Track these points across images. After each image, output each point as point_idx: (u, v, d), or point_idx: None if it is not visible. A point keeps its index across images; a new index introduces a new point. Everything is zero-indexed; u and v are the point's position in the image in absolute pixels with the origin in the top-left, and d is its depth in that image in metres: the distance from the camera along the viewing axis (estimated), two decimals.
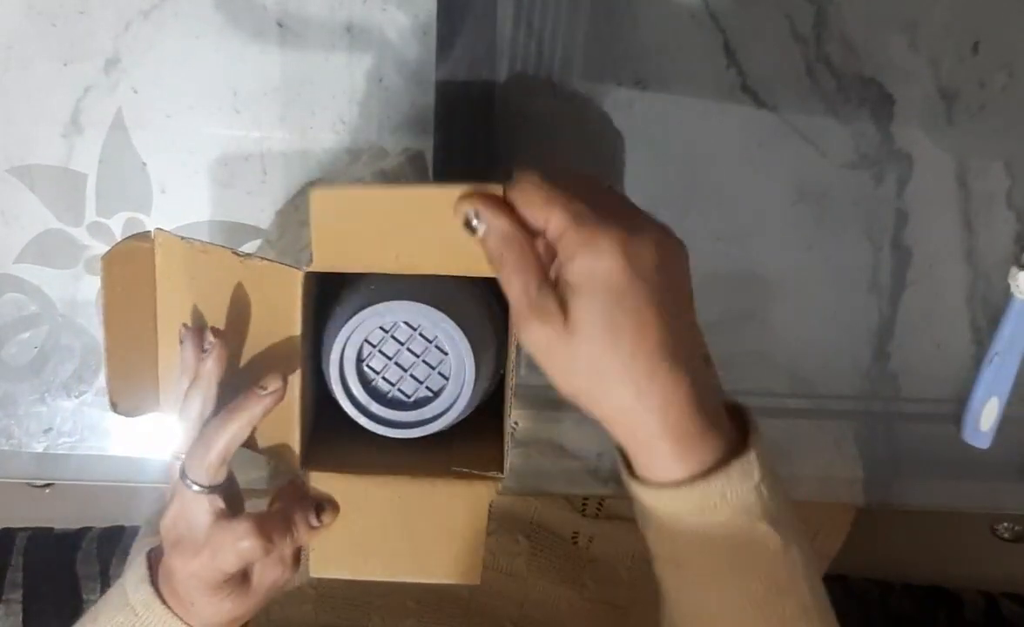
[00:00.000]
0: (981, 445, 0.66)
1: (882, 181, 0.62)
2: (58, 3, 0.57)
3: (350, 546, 0.50)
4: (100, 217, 0.60)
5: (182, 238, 0.48)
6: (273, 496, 0.52)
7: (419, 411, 0.48)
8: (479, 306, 0.49)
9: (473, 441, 0.51)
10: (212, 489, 0.47)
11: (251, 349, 0.49)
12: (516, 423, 0.49)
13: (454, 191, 0.42)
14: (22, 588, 0.89)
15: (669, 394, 0.40)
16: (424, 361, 0.48)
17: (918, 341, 0.65)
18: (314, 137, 0.60)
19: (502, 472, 0.49)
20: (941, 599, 1.03)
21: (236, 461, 0.48)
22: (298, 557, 0.50)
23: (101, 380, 0.63)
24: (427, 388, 0.48)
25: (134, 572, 0.50)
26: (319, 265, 0.45)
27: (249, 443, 0.48)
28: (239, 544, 0.46)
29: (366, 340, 0.47)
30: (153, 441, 0.64)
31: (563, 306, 0.40)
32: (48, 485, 1.06)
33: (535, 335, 0.40)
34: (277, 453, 0.50)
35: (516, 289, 0.41)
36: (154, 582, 0.49)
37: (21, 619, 0.87)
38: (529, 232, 0.41)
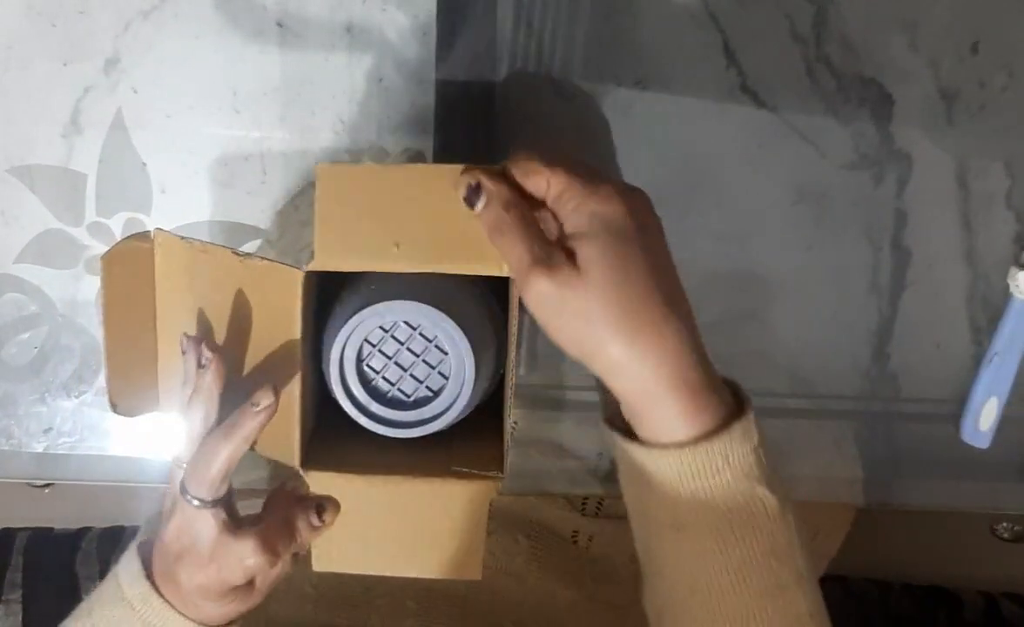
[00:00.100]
0: (981, 445, 0.66)
1: (882, 181, 0.62)
2: (58, 3, 0.57)
3: (351, 542, 0.50)
4: (100, 217, 0.60)
5: (182, 238, 0.48)
6: (266, 500, 0.52)
7: (419, 411, 0.48)
8: (479, 306, 0.49)
9: (473, 441, 0.51)
10: (214, 503, 0.47)
11: (251, 349, 0.49)
12: (515, 423, 0.49)
13: (456, 168, 0.44)
14: (22, 588, 0.89)
15: (675, 339, 0.41)
16: (424, 361, 0.48)
17: (918, 341, 0.65)
18: (314, 137, 0.60)
19: (502, 472, 0.49)
20: (941, 599, 1.03)
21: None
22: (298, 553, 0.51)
23: (101, 380, 0.63)
24: (427, 388, 0.48)
25: (127, 567, 0.50)
26: (320, 254, 0.45)
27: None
28: (245, 562, 0.47)
29: (366, 340, 0.47)
30: (153, 441, 0.64)
31: (569, 257, 0.41)
32: (48, 485, 1.06)
33: (543, 288, 0.41)
34: (277, 453, 0.50)
35: (520, 249, 0.42)
36: (149, 576, 0.49)
37: (21, 619, 0.87)
38: (528, 204, 0.44)
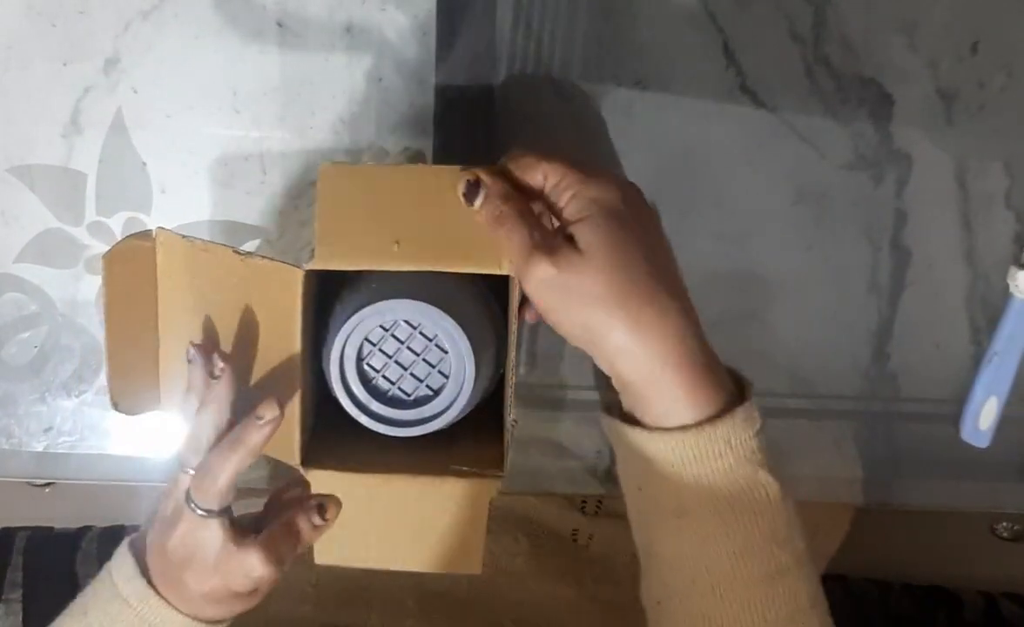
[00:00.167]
0: (980, 445, 0.66)
1: (881, 181, 0.62)
2: (58, 3, 0.57)
3: (352, 537, 0.50)
4: (100, 217, 0.60)
5: (183, 236, 0.49)
6: (266, 504, 0.52)
7: (419, 409, 0.48)
8: (479, 305, 0.49)
9: (473, 440, 0.51)
10: (220, 512, 0.47)
11: (252, 349, 0.49)
12: (515, 422, 0.49)
13: (456, 169, 0.45)
14: (22, 588, 0.89)
15: (678, 321, 0.42)
16: (424, 359, 0.48)
17: (917, 341, 0.65)
18: (314, 137, 0.60)
19: (502, 471, 0.49)
20: (941, 599, 1.03)
21: None
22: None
23: (101, 379, 0.63)
24: (427, 386, 0.48)
25: (120, 566, 0.50)
26: (320, 253, 0.45)
27: None
28: (252, 575, 0.48)
29: (366, 338, 0.47)
30: (153, 440, 0.64)
31: (569, 242, 0.42)
32: (48, 484, 1.05)
33: (545, 272, 0.42)
34: (277, 451, 0.50)
35: (520, 236, 0.43)
36: (145, 574, 0.49)
37: (21, 619, 0.87)
38: (526, 198, 0.44)
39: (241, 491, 0.51)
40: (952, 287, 0.64)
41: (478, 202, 0.44)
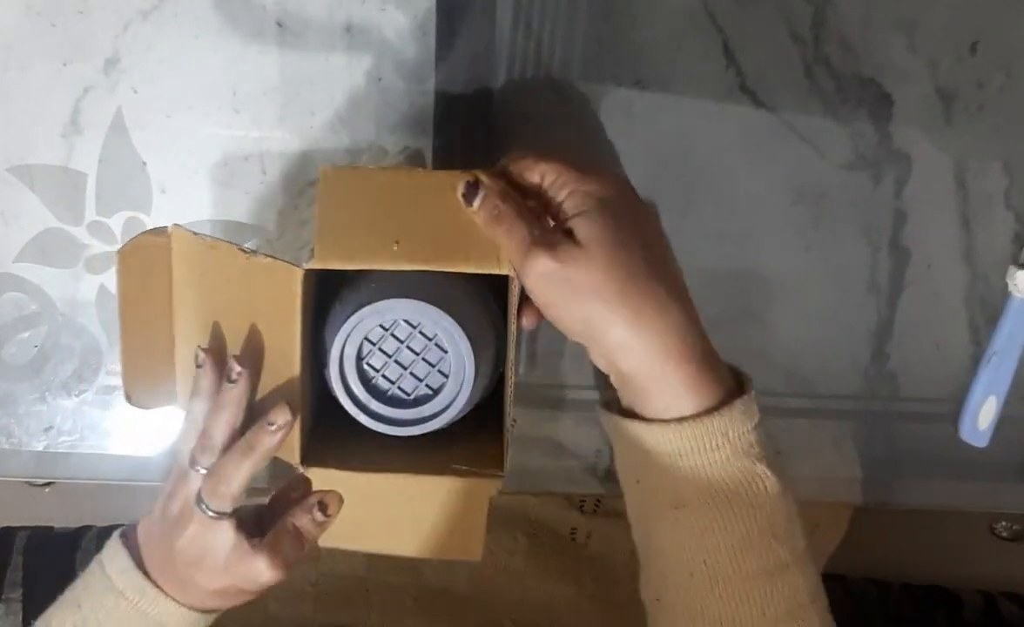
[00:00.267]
0: (979, 444, 0.66)
1: (880, 181, 0.62)
2: (57, 3, 0.57)
3: (353, 527, 0.51)
4: (100, 217, 0.60)
5: (194, 234, 0.49)
6: (268, 505, 0.52)
7: (419, 409, 0.48)
8: (478, 304, 0.49)
9: (473, 439, 0.52)
10: (232, 514, 0.48)
11: (257, 348, 0.49)
12: (514, 421, 0.49)
13: (455, 172, 0.45)
14: (22, 587, 0.89)
15: (678, 314, 0.42)
16: (424, 359, 0.48)
17: (917, 341, 0.65)
18: (313, 137, 0.60)
19: (502, 470, 0.49)
20: (940, 599, 1.03)
21: None
22: None
23: (101, 379, 0.63)
24: (427, 386, 0.48)
25: (114, 559, 0.50)
26: (320, 253, 0.45)
27: None
28: (260, 579, 0.48)
29: (366, 338, 0.47)
30: (153, 440, 0.64)
31: (568, 236, 0.43)
32: (48, 484, 1.06)
33: (546, 266, 0.42)
34: (277, 457, 0.50)
35: (519, 232, 0.43)
36: (140, 566, 0.50)
37: (21, 619, 0.87)
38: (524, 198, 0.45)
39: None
40: (951, 287, 0.64)
41: (477, 202, 0.44)
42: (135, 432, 0.64)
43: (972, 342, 0.65)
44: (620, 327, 0.42)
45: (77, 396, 0.63)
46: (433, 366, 0.48)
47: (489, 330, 0.49)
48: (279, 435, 0.47)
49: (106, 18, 0.58)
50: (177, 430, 0.51)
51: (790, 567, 0.43)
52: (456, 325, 0.46)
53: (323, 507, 0.49)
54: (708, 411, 0.42)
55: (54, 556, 0.92)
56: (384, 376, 0.48)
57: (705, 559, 0.43)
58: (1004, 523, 1.16)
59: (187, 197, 0.60)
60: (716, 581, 0.43)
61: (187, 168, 0.60)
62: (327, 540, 0.51)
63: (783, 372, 0.65)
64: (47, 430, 0.63)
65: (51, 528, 0.94)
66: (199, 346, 0.49)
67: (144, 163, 0.60)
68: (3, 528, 0.94)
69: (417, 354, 0.47)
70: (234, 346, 0.49)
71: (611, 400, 0.46)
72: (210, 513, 0.47)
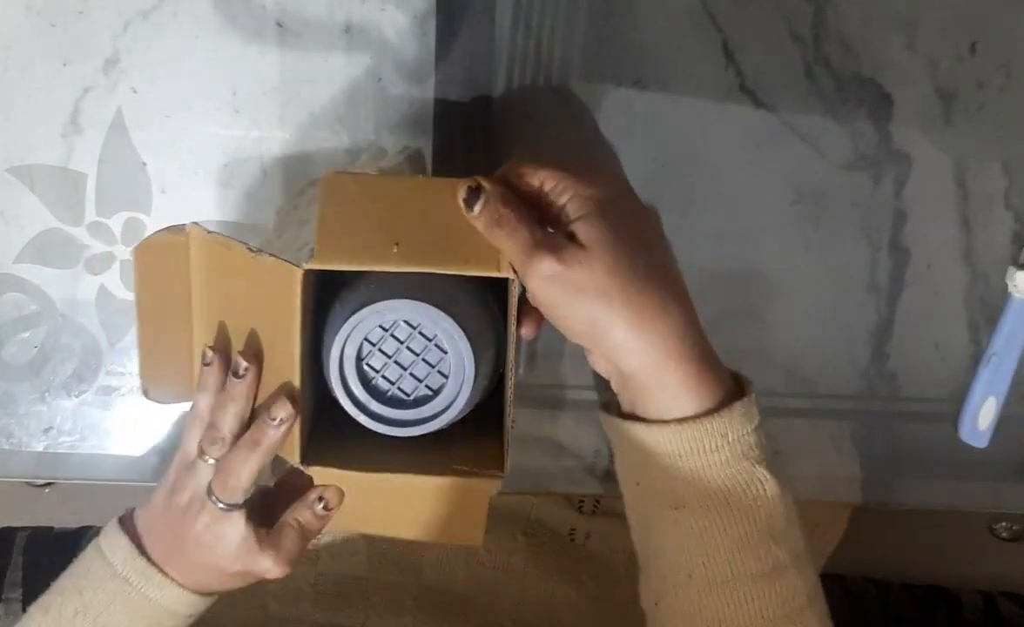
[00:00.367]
0: (979, 444, 0.66)
1: (880, 181, 0.62)
2: (57, 3, 0.57)
3: (353, 515, 0.52)
4: (100, 217, 0.60)
5: (208, 232, 0.49)
6: (277, 482, 0.52)
7: (419, 409, 0.48)
8: (478, 305, 0.49)
9: (473, 440, 0.52)
10: (242, 505, 0.49)
11: (258, 344, 0.49)
12: (514, 421, 0.49)
13: (455, 180, 0.45)
14: (22, 588, 0.89)
15: (679, 315, 0.43)
16: (424, 359, 0.48)
17: (916, 341, 0.65)
18: (313, 137, 0.60)
19: (502, 470, 0.49)
20: (940, 598, 1.03)
21: None
22: None
23: (101, 379, 0.63)
24: (427, 386, 0.48)
25: (115, 546, 0.51)
26: (320, 253, 0.45)
27: None
28: (268, 575, 0.49)
29: (366, 338, 0.47)
30: (153, 441, 0.64)
31: (570, 238, 0.43)
32: (48, 484, 1.06)
33: (550, 268, 0.42)
34: (279, 449, 0.50)
35: (521, 235, 0.43)
36: (143, 552, 0.50)
37: None
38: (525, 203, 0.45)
39: None
40: (951, 287, 0.64)
41: (478, 207, 0.44)
42: (135, 432, 0.64)
43: (972, 342, 0.65)
44: (622, 328, 0.42)
45: (77, 396, 0.63)
46: (433, 367, 0.48)
47: (489, 330, 0.49)
48: (283, 428, 0.47)
49: (106, 18, 0.58)
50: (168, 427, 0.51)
51: (789, 569, 0.43)
52: (456, 326, 0.46)
53: (323, 501, 0.50)
54: (708, 412, 0.42)
55: (54, 556, 0.92)
56: (384, 377, 0.48)
57: (704, 560, 0.43)
58: (1004, 523, 1.17)
59: (187, 197, 0.60)
60: (715, 583, 0.43)
61: (187, 168, 0.60)
62: (329, 526, 0.52)
63: (783, 372, 0.65)
64: (47, 430, 0.63)
65: (51, 528, 0.94)
66: (207, 345, 0.50)
67: (144, 163, 0.60)
68: (3, 528, 0.94)
69: (417, 355, 0.47)
70: (241, 344, 0.50)
71: (611, 402, 0.46)
72: (220, 506, 0.48)
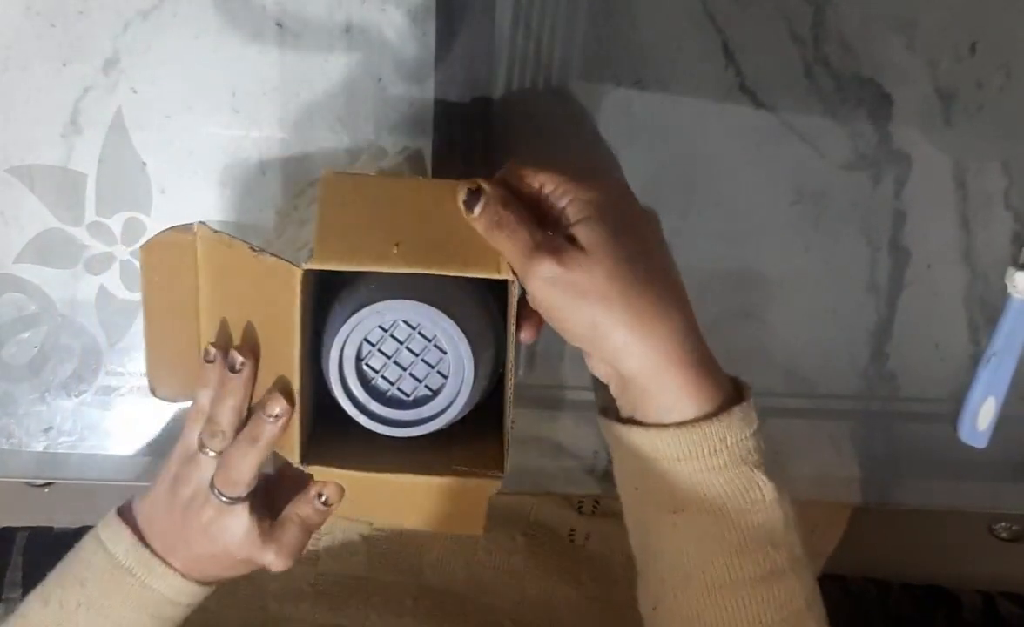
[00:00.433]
0: (978, 445, 0.66)
1: (880, 181, 0.62)
2: (57, 4, 0.57)
3: (356, 507, 0.52)
4: (100, 217, 0.60)
5: (214, 231, 0.49)
6: (270, 489, 0.52)
7: (418, 410, 0.48)
8: (478, 305, 0.49)
9: (473, 440, 0.52)
10: (246, 497, 0.49)
11: (256, 342, 0.50)
12: (513, 422, 0.49)
13: (456, 182, 0.45)
14: (22, 588, 0.89)
15: (678, 319, 0.43)
16: (423, 360, 0.48)
17: (916, 341, 0.65)
18: (313, 137, 0.60)
19: (503, 471, 0.49)
20: (939, 599, 1.03)
21: None
22: None
23: (101, 379, 0.63)
24: (426, 387, 0.48)
25: (116, 538, 0.51)
26: (319, 253, 0.45)
27: None
28: (272, 569, 0.50)
29: (365, 339, 0.47)
30: (153, 441, 0.64)
31: (571, 242, 0.43)
32: (48, 484, 1.05)
33: (550, 270, 0.42)
34: (279, 448, 0.50)
35: (522, 238, 0.43)
36: (145, 543, 0.51)
37: None
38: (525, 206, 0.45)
39: None
40: (951, 287, 0.64)
41: (478, 209, 0.44)
42: (135, 432, 0.64)
43: (971, 342, 0.65)
44: (622, 331, 0.42)
45: (77, 396, 0.63)
46: (432, 367, 0.48)
47: (488, 331, 0.49)
48: (280, 423, 0.48)
49: (106, 18, 0.58)
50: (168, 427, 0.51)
51: (787, 574, 0.43)
52: (455, 326, 0.46)
53: (323, 497, 0.50)
54: (706, 417, 0.42)
55: (54, 556, 0.92)
56: (383, 377, 0.48)
57: (701, 565, 0.43)
58: (1003, 523, 1.17)
59: (187, 197, 0.60)
60: (712, 587, 0.43)
61: (187, 168, 0.60)
62: (332, 517, 0.53)
63: (782, 372, 0.65)
64: (47, 431, 0.63)
65: (51, 528, 0.94)
66: (209, 342, 0.51)
67: (144, 163, 0.60)
68: (3, 528, 0.94)
69: (416, 355, 0.48)
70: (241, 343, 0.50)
71: (609, 407, 0.46)
72: (224, 499, 0.49)
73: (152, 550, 0.51)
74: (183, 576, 0.51)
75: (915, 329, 0.65)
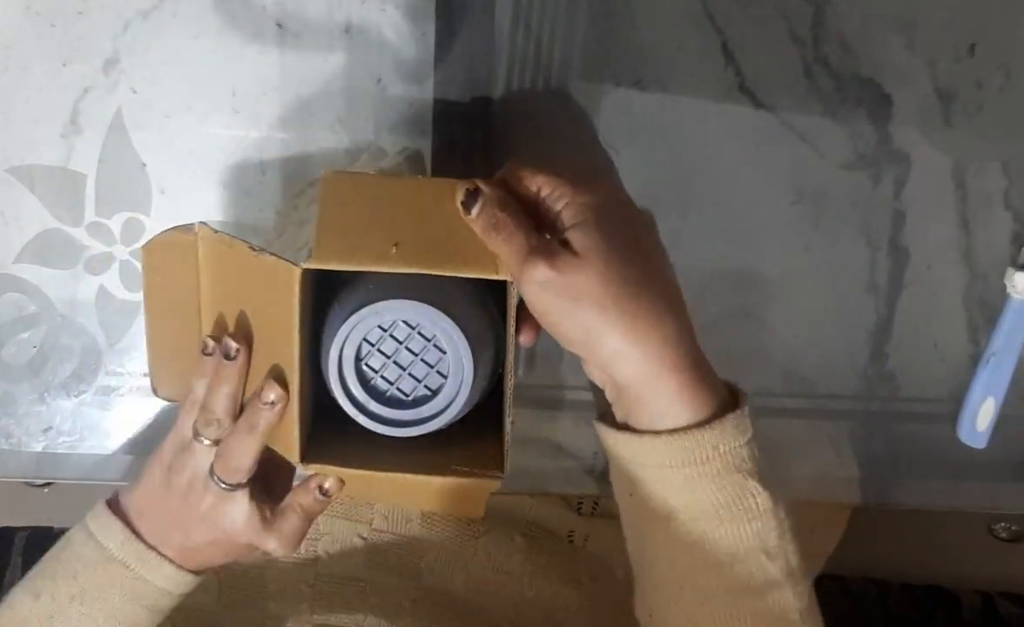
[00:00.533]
0: (978, 445, 0.66)
1: (880, 181, 0.62)
2: (57, 4, 0.57)
3: (354, 492, 0.52)
4: (99, 217, 0.60)
5: (215, 231, 0.49)
6: (269, 478, 0.53)
7: (418, 410, 0.48)
8: (477, 306, 0.49)
9: (473, 440, 0.52)
10: (246, 483, 0.50)
11: (258, 344, 0.50)
12: (513, 422, 0.49)
13: (454, 181, 0.45)
14: None
15: (674, 324, 0.42)
16: (423, 360, 0.48)
17: (915, 341, 0.65)
18: (312, 137, 0.60)
19: (502, 471, 0.49)
20: (939, 599, 1.03)
21: None
22: None
23: (100, 379, 0.63)
24: (426, 387, 0.48)
25: (108, 531, 0.51)
26: (318, 253, 0.45)
27: None
28: (273, 553, 0.51)
29: (365, 339, 0.47)
30: (153, 441, 0.64)
31: (566, 246, 0.43)
32: (47, 484, 1.06)
33: (544, 275, 0.42)
34: (278, 448, 0.50)
35: (517, 240, 0.43)
36: (137, 535, 0.51)
37: None
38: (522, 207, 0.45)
39: None
40: (950, 287, 0.64)
41: (475, 210, 0.44)
42: (135, 432, 0.64)
43: (971, 342, 0.65)
44: (616, 337, 0.42)
45: (76, 397, 0.63)
46: (432, 367, 0.48)
47: (488, 331, 0.49)
48: (276, 409, 0.48)
49: (106, 18, 0.58)
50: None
51: (781, 584, 0.43)
52: (455, 326, 0.46)
53: (322, 489, 0.50)
54: (699, 424, 0.42)
55: None
56: (383, 377, 0.48)
57: (694, 573, 0.43)
58: (1003, 524, 1.17)
59: (187, 197, 0.60)
60: (705, 596, 0.43)
61: (187, 168, 0.60)
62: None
63: (782, 372, 0.65)
64: (46, 431, 0.63)
65: (51, 528, 0.94)
66: (207, 336, 0.51)
67: (144, 164, 0.60)
68: (3, 528, 0.94)
69: (416, 355, 0.47)
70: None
71: (606, 413, 0.46)
72: (224, 486, 0.49)
73: (145, 542, 0.51)
74: (178, 566, 0.51)
75: (915, 329, 0.65)
